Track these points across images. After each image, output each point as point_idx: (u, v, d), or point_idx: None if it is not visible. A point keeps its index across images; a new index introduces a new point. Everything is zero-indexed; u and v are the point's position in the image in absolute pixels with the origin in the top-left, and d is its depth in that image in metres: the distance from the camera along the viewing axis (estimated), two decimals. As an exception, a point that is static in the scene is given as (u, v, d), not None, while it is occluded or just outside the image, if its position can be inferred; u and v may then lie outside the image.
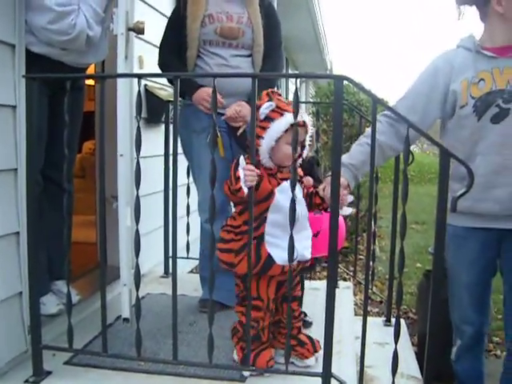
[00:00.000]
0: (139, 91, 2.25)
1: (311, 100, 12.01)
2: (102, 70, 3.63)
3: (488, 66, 2.53)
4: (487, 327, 2.88)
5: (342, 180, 2.26)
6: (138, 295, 2.32)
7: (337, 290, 3.74)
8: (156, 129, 4.24)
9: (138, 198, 2.27)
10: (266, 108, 2.25)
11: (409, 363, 3.13)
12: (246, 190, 2.15)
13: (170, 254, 3.82)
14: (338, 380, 2.21)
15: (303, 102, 8.40)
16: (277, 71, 3.24)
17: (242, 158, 2.20)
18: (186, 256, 4.02)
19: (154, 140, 4.05)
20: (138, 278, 2.32)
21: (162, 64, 3.25)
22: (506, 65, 2.50)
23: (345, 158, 2.53)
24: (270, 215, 2.33)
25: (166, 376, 2.43)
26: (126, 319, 2.78)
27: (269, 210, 2.32)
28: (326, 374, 2.16)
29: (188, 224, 3.97)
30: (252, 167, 2.17)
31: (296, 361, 2.47)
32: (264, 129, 2.25)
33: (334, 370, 2.21)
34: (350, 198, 2.36)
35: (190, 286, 3.60)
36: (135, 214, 2.28)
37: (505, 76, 2.49)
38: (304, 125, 2.32)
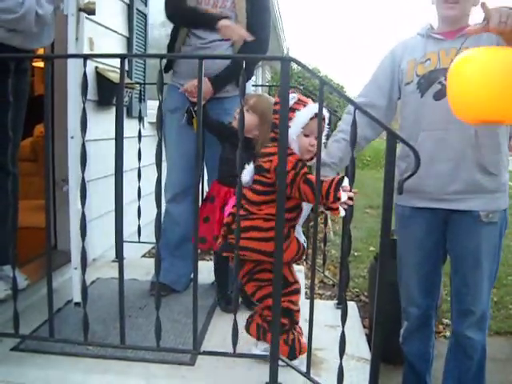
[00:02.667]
0: (85, 72, 2.20)
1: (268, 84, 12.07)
2: (51, 52, 3.56)
3: (436, 47, 2.63)
4: (434, 310, 2.93)
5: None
6: (84, 279, 2.29)
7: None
8: (108, 111, 4.18)
9: (83, 180, 2.23)
10: (290, 99, 2.21)
11: (360, 345, 3.16)
12: (342, 213, 2.10)
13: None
14: (285, 362, 2.22)
15: (256, 86, 8.30)
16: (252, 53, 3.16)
17: (346, 179, 2.11)
18: (137, 240, 3.99)
19: (108, 123, 4.00)
20: (84, 261, 2.28)
21: (171, 15, 3.21)
22: (451, 46, 2.58)
23: (325, 156, 2.56)
24: (305, 205, 2.37)
25: (114, 360, 2.42)
26: (77, 303, 2.76)
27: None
28: (274, 357, 2.16)
29: (139, 208, 3.94)
30: (351, 193, 2.10)
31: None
32: (290, 119, 2.19)
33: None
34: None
35: (142, 270, 3.58)
36: (81, 197, 2.24)
37: (450, 56, 2.55)
38: (324, 118, 2.32)
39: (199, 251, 3.31)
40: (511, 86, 2.05)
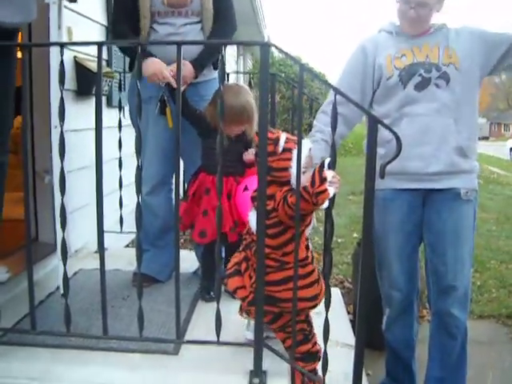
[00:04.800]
0: (62, 61, 2.17)
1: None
2: (29, 41, 3.51)
3: (407, 45, 2.77)
4: (416, 294, 2.95)
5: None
6: (65, 270, 2.26)
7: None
8: (89, 101, 4.14)
9: (62, 170, 2.20)
10: (283, 141, 2.19)
11: (344, 332, 3.17)
12: (331, 192, 2.05)
13: (104, 228, 3.80)
14: (270, 349, 2.22)
15: (232, 72, 8.27)
16: (225, 35, 3.15)
17: (326, 161, 2.11)
18: (119, 230, 3.97)
19: (88, 113, 3.96)
20: (64, 252, 2.26)
21: (115, 35, 3.18)
22: (423, 42, 2.76)
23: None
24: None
25: (97, 351, 2.40)
26: (62, 294, 2.74)
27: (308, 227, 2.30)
28: (258, 345, 2.16)
29: (121, 198, 3.92)
30: (336, 174, 2.08)
31: None
32: (289, 159, 2.16)
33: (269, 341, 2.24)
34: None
35: (125, 260, 3.56)
36: (60, 187, 2.21)
37: (423, 52, 2.73)
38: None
39: (182, 241, 3.30)
40: None
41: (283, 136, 2.20)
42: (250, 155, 2.97)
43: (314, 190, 2.05)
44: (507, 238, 7.34)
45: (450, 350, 2.84)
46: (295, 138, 2.22)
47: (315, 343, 2.37)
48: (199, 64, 3.05)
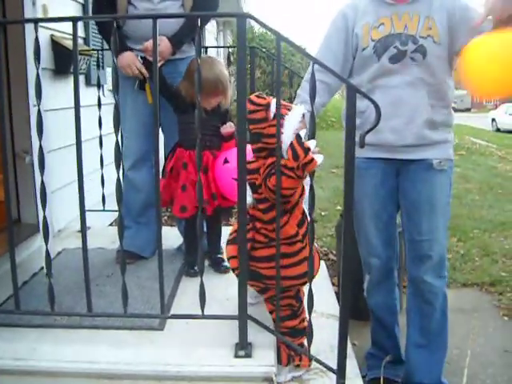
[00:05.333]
0: (37, 37, 2.13)
1: (230, 49, 11.92)
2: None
3: (388, 12, 2.70)
4: (395, 262, 2.99)
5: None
6: (47, 249, 2.24)
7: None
8: (67, 80, 4.10)
9: (41, 148, 2.17)
10: (273, 107, 2.16)
11: (329, 303, 3.18)
12: (319, 161, 2.04)
13: (87, 207, 3.78)
14: (254, 321, 2.23)
15: (210, 47, 8.13)
16: (207, 10, 3.13)
17: (302, 132, 2.11)
18: (102, 209, 3.96)
19: (67, 92, 3.92)
20: (46, 231, 2.24)
21: (98, 26, 3.16)
22: (404, 10, 2.68)
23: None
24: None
25: (82, 329, 2.41)
26: (46, 274, 2.73)
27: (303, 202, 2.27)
28: (243, 318, 2.17)
29: (102, 176, 3.90)
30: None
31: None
32: (281, 125, 2.12)
33: (255, 314, 2.25)
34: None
35: (109, 238, 3.55)
36: (39, 166, 2.19)
37: (403, 21, 2.67)
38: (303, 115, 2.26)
39: (166, 217, 3.29)
40: None
41: (272, 102, 2.18)
42: (228, 128, 2.98)
43: (300, 162, 2.04)
44: (490, 207, 7.40)
45: (429, 316, 2.86)
46: (288, 103, 2.24)
47: (303, 319, 2.38)
48: (177, 40, 3.04)
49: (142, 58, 3.03)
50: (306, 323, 2.33)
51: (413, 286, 2.89)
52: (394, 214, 2.93)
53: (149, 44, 2.88)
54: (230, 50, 11.71)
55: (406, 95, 2.68)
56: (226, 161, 2.90)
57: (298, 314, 2.37)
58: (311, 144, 2.04)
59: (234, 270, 2.38)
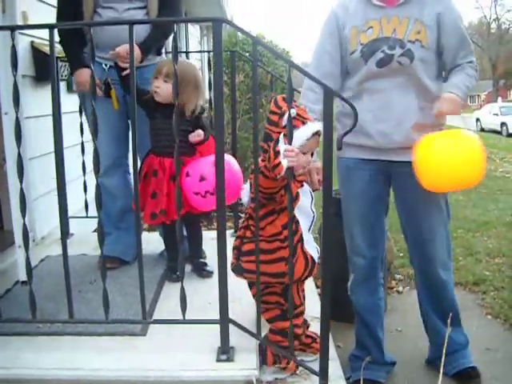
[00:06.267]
0: (13, 45, 2.14)
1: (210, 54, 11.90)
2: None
3: (377, 14, 2.70)
4: (380, 262, 3.01)
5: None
6: (27, 256, 2.25)
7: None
8: (47, 87, 4.07)
9: (19, 156, 2.17)
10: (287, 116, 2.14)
11: (312, 305, 3.18)
12: (284, 165, 2.05)
13: (69, 214, 3.77)
14: (236, 325, 2.23)
15: (184, 52, 8.08)
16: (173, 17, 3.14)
17: (281, 136, 2.14)
18: (85, 215, 3.95)
19: (48, 99, 3.91)
20: (26, 238, 2.24)
21: (61, 38, 3.14)
22: (393, 14, 2.68)
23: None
24: (299, 217, 2.29)
25: (65, 336, 2.41)
26: (23, 282, 2.73)
27: (295, 211, 2.25)
28: (224, 321, 2.18)
29: (85, 182, 3.89)
30: (292, 148, 2.07)
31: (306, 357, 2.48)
32: (284, 135, 2.16)
33: (236, 316, 2.25)
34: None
35: (92, 245, 3.53)
36: (18, 174, 2.19)
37: (391, 25, 2.67)
38: (319, 134, 2.28)
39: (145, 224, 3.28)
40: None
41: (293, 111, 2.14)
42: (195, 137, 2.98)
43: (270, 164, 2.07)
44: (474, 207, 7.45)
45: (442, 298, 3.01)
46: (308, 116, 2.23)
47: (297, 325, 2.36)
48: (146, 47, 3.06)
49: (110, 66, 3.05)
50: (297, 329, 2.36)
51: (422, 277, 3.02)
52: (381, 214, 2.96)
53: (121, 49, 2.86)
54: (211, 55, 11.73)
55: (394, 99, 2.69)
56: (187, 174, 2.90)
57: (288, 317, 2.36)
58: (281, 147, 2.06)
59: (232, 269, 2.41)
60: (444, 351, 2.36)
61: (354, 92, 2.76)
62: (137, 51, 2.96)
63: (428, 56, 2.69)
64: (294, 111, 2.15)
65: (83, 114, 3.90)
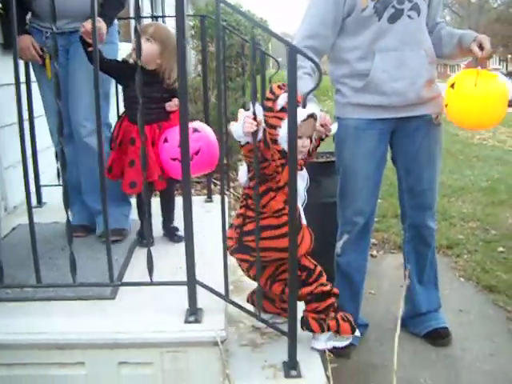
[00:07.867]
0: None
1: (191, 23, 11.71)
2: None
3: None
4: (374, 219, 3.16)
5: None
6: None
7: (211, 204, 3.81)
8: (18, 55, 4.03)
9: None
10: (282, 99, 2.19)
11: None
12: (233, 131, 2.15)
13: (41, 183, 3.75)
14: (204, 287, 2.25)
15: (157, 17, 7.97)
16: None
17: (257, 104, 2.17)
18: (58, 184, 3.93)
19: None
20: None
21: (2, 4, 3.08)
22: None
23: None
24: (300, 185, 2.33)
25: (35, 302, 2.41)
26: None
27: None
28: (192, 283, 2.20)
29: (57, 151, 3.86)
30: (251, 116, 2.11)
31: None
32: (281, 119, 2.20)
33: (204, 279, 2.26)
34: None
35: (64, 213, 3.52)
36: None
37: None
38: (315, 118, 2.31)
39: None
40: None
41: (284, 96, 2.17)
42: (172, 107, 2.97)
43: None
44: (450, 172, 7.51)
45: (424, 255, 3.20)
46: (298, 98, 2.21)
47: (321, 284, 2.40)
48: (108, 18, 2.99)
49: (49, 34, 2.99)
50: (324, 287, 2.40)
51: (414, 231, 3.16)
52: (382, 173, 3.06)
53: (88, 25, 2.74)
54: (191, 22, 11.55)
55: (407, 56, 2.78)
56: (165, 140, 2.89)
57: (311, 281, 2.39)
58: (241, 115, 2.15)
59: (231, 253, 2.44)
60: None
61: (363, 52, 2.80)
62: (103, 24, 2.90)
63: (428, 10, 2.82)
64: (285, 95, 2.15)
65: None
